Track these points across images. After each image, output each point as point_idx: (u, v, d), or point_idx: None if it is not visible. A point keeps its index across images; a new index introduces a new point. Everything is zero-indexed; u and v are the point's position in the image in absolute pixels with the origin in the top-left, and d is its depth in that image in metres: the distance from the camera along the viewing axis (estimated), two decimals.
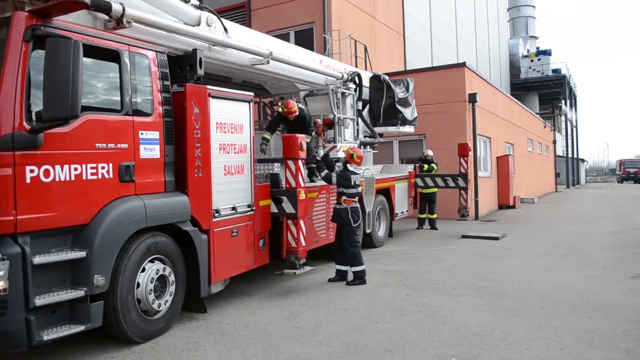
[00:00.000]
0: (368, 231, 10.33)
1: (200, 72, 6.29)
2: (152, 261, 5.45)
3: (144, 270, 5.35)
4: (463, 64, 17.30)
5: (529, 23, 55.51)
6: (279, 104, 9.72)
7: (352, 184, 7.88)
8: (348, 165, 8.07)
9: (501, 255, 10.02)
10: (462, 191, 14.36)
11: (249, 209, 6.93)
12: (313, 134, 9.38)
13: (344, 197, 7.91)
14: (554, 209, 21.84)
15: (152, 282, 5.41)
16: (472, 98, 16.54)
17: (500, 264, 9.20)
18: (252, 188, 7.02)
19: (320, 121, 10.08)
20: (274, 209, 7.47)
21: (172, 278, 5.68)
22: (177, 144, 5.82)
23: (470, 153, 14.44)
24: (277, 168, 7.80)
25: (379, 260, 9.64)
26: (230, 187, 6.59)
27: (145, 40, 5.74)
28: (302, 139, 7.55)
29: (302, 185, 7.48)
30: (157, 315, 5.52)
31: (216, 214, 6.28)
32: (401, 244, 11.54)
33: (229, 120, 6.56)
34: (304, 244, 7.48)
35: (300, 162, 7.45)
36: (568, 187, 44.34)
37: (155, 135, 5.54)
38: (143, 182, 5.38)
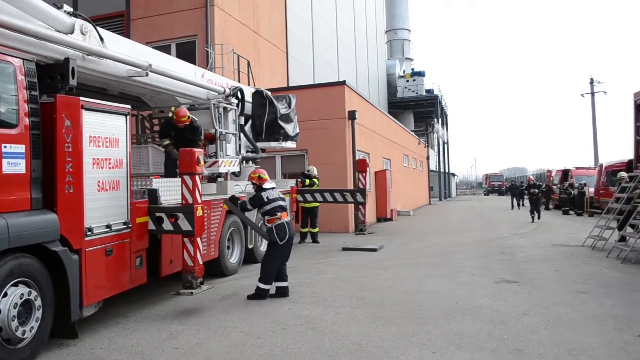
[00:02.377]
0: (250, 246, 10.32)
1: (73, 82, 5.97)
2: (15, 285, 5.02)
3: (5, 295, 4.92)
4: (343, 82, 17.92)
5: (405, 45, 58.83)
6: (172, 109, 9.42)
7: (266, 199, 7.72)
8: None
9: (379, 266, 10.44)
10: (360, 206, 14.75)
11: (125, 226, 6.65)
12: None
13: (266, 217, 7.75)
14: (427, 221, 23.15)
15: (15, 308, 4.97)
16: (352, 115, 17.17)
17: (379, 274, 9.58)
18: (128, 204, 6.74)
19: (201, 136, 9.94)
20: (151, 225, 7.23)
21: (38, 302, 5.27)
22: (45, 159, 5.45)
23: (369, 169, 14.87)
24: (156, 184, 7.57)
25: None
26: (105, 204, 6.29)
27: (11, 47, 5.36)
28: (200, 153, 7.41)
29: (199, 201, 7.31)
30: (22, 343, 5.09)
31: (88, 233, 5.95)
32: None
33: (104, 134, 6.27)
34: (200, 262, 7.31)
35: (197, 178, 7.28)
36: (441, 199, 47.26)
37: (21, 148, 5.15)
38: (6, 199, 4.97)
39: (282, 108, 12.16)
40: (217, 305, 7.34)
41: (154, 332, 6.17)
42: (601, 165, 24.95)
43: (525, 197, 28.50)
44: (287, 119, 12.26)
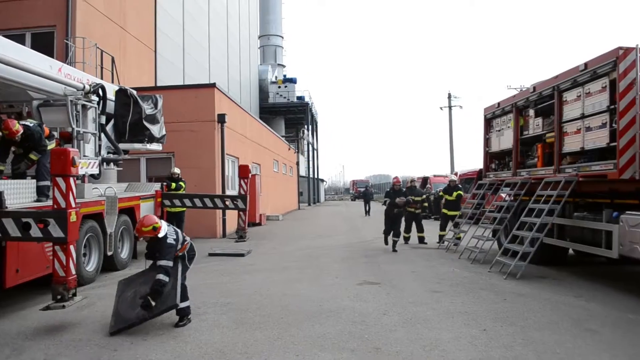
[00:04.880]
0: (109, 253, 9.75)
1: None
2: None
3: None
4: (213, 85, 17.64)
5: (278, 52, 59.25)
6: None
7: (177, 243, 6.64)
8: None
9: (246, 271, 10.37)
10: (241, 212, 14.44)
11: None
12: (50, 148, 8.48)
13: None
14: (296, 226, 23.47)
15: None
16: (221, 118, 16.96)
17: (245, 279, 9.52)
18: None
19: (56, 134, 9.24)
20: (15, 232, 6.55)
21: None
22: None
23: (251, 174, 14.63)
24: (1, 185, 6.88)
25: None
26: None
27: None
28: (75, 153, 6.79)
29: (73, 205, 6.70)
30: None
31: None
32: (145, 265, 11.08)
33: None
34: (73, 272, 6.70)
35: (71, 180, 6.67)
36: (310, 204, 48.19)
37: None
38: None
39: (147, 108, 11.68)
40: (70, 317, 6.84)
41: None
42: (456, 174, 26.98)
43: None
44: (152, 119, 11.79)
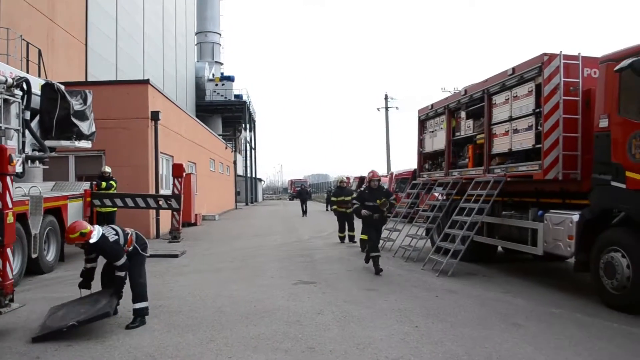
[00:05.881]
0: (34, 256, 9.28)
1: None
2: None
3: None
4: (147, 81, 17.17)
5: (215, 49, 58.40)
6: None
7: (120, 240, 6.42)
8: None
9: (179, 273, 10.15)
10: (175, 212, 14.05)
11: None
12: None
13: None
14: (233, 225, 23.23)
15: None
16: (155, 116, 16.52)
17: (178, 281, 9.31)
18: None
19: None
20: None
21: None
22: None
23: (186, 173, 14.24)
24: None
25: (48, 287, 8.78)
26: None
27: None
28: (12, 150, 6.38)
29: (10, 206, 6.29)
30: None
31: None
32: (72, 268, 10.63)
33: None
34: (10, 276, 6.29)
35: (8, 179, 6.25)
36: (247, 204, 47.84)
37: None
38: None
39: (76, 104, 11.22)
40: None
41: None
42: (392, 174, 27.50)
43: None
44: (81, 116, 11.33)
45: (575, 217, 7.82)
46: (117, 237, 6.31)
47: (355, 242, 14.93)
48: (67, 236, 6.17)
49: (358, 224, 12.17)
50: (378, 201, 10.37)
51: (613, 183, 7.18)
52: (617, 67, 7.00)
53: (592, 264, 7.54)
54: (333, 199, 16.23)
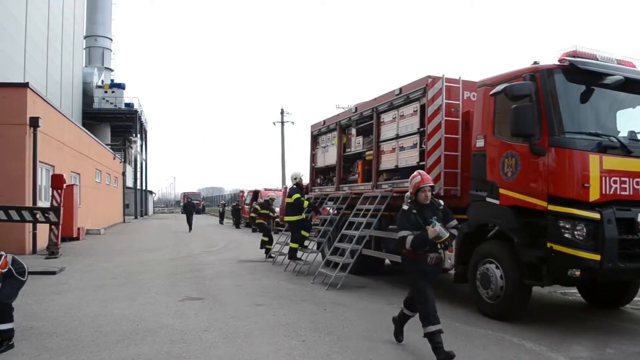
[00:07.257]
0: None
1: None
2: None
3: None
4: (26, 85, 16.00)
5: (106, 54, 55.76)
6: None
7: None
8: None
9: (56, 291, 9.47)
10: (54, 226, 13.08)
11: None
12: None
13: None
14: (119, 240, 22.17)
15: None
16: (34, 122, 15.38)
17: (54, 300, 8.69)
18: None
19: None
20: None
21: None
22: None
23: (67, 185, 13.33)
24: None
25: None
26: None
27: None
28: None
29: None
30: None
31: None
32: None
33: None
34: None
35: None
36: (136, 217, 45.97)
37: None
38: None
39: None
40: None
41: None
42: (286, 187, 27.56)
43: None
44: None
45: None
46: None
47: (272, 256, 14.43)
48: None
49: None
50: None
51: (488, 199, 7.67)
52: (492, 92, 7.52)
53: (470, 275, 7.98)
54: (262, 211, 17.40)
